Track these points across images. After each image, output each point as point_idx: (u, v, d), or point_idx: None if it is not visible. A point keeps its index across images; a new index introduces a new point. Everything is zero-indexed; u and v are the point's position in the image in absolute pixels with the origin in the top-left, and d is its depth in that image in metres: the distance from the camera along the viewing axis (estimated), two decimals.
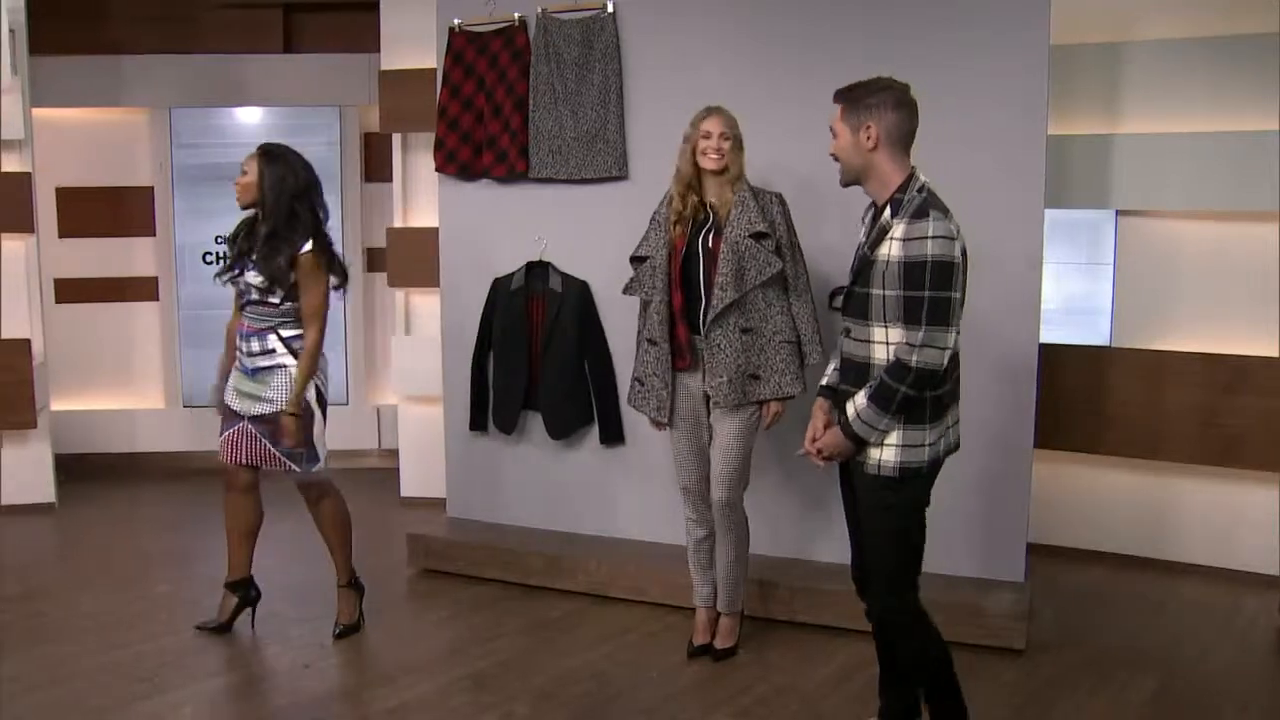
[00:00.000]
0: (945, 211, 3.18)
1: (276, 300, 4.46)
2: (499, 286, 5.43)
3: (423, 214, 6.56)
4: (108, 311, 7.61)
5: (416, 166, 6.61)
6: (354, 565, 4.92)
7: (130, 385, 7.69)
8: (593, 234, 5.24)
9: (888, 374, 3.18)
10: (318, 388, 4.59)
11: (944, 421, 3.29)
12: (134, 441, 7.62)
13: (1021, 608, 4.54)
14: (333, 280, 4.50)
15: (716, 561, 4.45)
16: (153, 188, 7.58)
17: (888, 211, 3.21)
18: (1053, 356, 5.23)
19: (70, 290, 7.45)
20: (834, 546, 4.85)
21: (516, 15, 5.34)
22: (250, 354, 4.53)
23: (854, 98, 3.28)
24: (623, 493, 5.34)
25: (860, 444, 3.26)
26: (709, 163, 4.18)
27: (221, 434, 4.64)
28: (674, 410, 4.34)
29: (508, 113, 5.32)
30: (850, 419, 3.25)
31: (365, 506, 6.72)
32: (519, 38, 5.32)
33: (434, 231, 5.84)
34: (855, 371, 3.31)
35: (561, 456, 5.45)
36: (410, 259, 6.41)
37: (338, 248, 4.65)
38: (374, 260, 7.54)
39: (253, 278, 4.47)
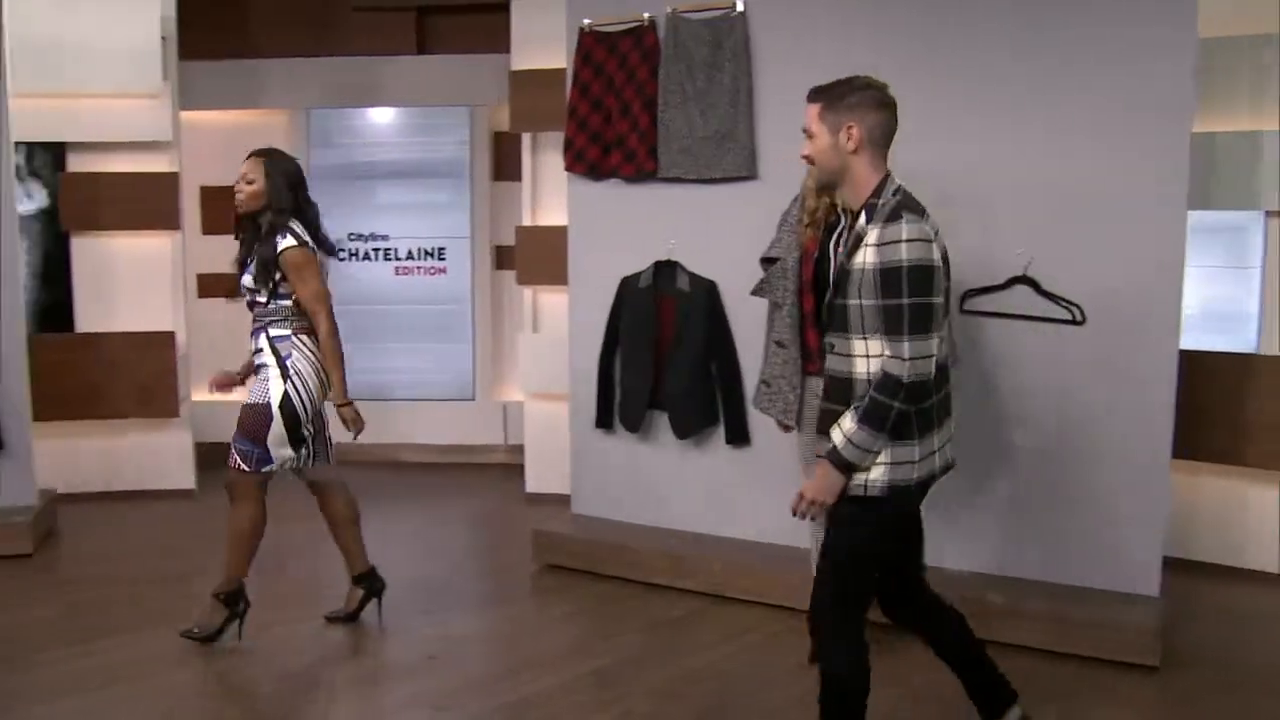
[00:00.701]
0: (921, 213, 3.02)
1: (264, 300, 4.54)
2: (627, 285, 5.45)
3: (551, 213, 6.61)
4: (245, 306, 7.80)
5: (545, 166, 6.67)
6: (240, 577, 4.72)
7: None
8: (721, 234, 5.23)
9: (878, 391, 2.97)
10: (295, 393, 4.54)
11: (932, 437, 3.11)
12: None
13: (1157, 623, 4.40)
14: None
15: None
16: None
17: (863, 218, 3.05)
18: (1193, 363, 5.05)
19: (211, 285, 7.68)
20: (964, 552, 4.79)
21: (646, 15, 5.35)
22: (251, 353, 4.65)
23: (834, 96, 3.10)
24: (746, 494, 5.31)
25: (851, 471, 3.03)
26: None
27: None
28: (801, 414, 4.31)
29: (636, 112, 5.34)
30: (840, 446, 3.02)
31: (490, 502, 6.87)
32: (648, 37, 5.34)
33: (562, 230, 5.89)
34: (838, 388, 3.10)
35: (686, 456, 5.45)
36: (539, 257, 6.47)
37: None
38: (502, 258, 7.64)
39: (246, 279, 4.56)
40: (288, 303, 4.53)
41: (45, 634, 4.78)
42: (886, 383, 2.96)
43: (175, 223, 6.72)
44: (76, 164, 6.71)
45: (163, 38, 6.56)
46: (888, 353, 2.97)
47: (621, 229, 5.50)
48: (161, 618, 4.91)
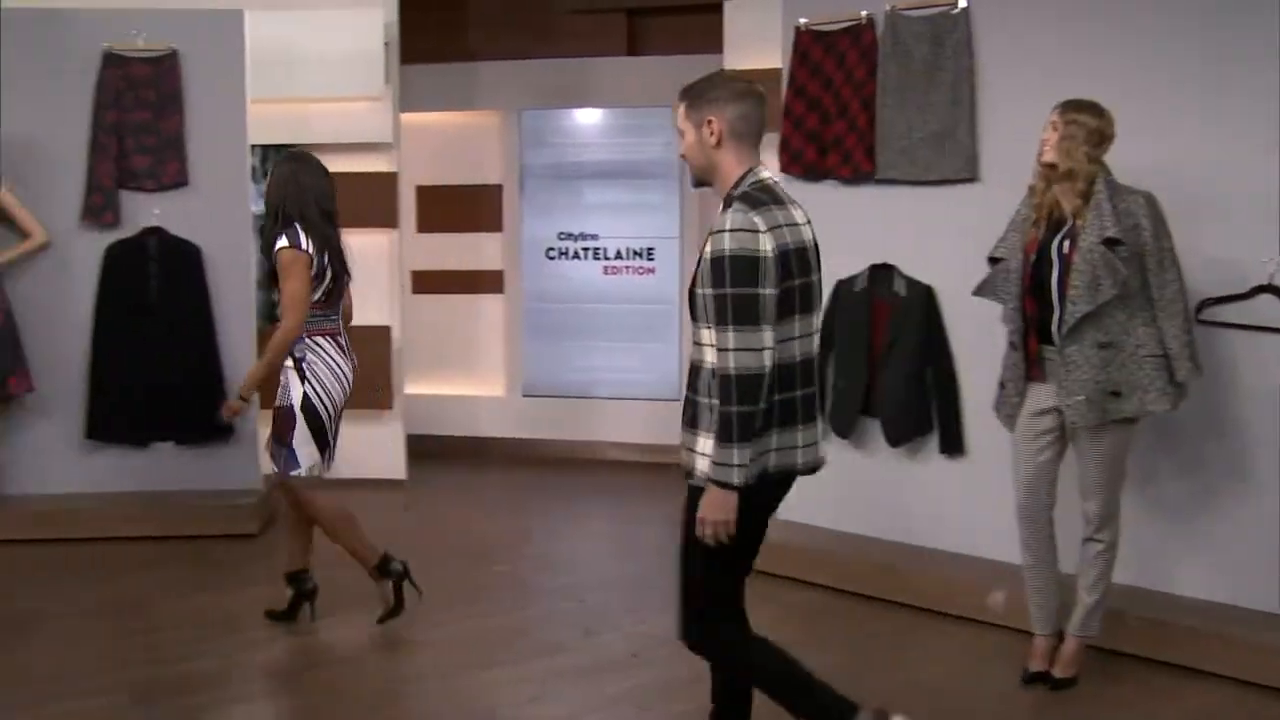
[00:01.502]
0: (759, 204, 2.95)
1: (277, 300, 4.57)
2: (841, 289, 5.35)
3: None
4: (457, 302, 8.04)
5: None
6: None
7: (475, 373, 8.09)
8: (939, 237, 5.08)
9: (719, 400, 2.92)
10: (315, 395, 4.51)
11: (792, 432, 3.03)
12: (477, 426, 8.02)
13: None
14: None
15: (1080, 579, 4.18)
16: (502, 186, 7.94)
17: (721, 208, 3.02)
18: None
19: (425, 282, 7.91)
20: (1198, 578, 4.52)
21: (864, 13, 5.24)
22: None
23: (695, 94, 3.09)
24: (960, 506, 5.14)
25: (731, 488, 2.93)
26: (1041, 156, 3.97)
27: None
28: (1018, 423, 4.15)
29: (854, 112, 5.24)
30: (711, 471, 2.96)
31: (649, 505, 6.82)
32: (866, 35, 5.23)
33: None
34: (693, 375, 3.09)
35: (898, 465, 5.32)
36: None
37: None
38: None
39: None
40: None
41: (261, 615, 4.95)
42: (720, 385, 2.92)
43: (393, 221, 6.93)
44: None
45: (385, 43, 6.77)
46: (715, 344, 2.94)
47: (836, 231, 5.35)
48: (365, 605, 5.04)
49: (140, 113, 6.11)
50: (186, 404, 6.14)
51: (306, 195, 4.51)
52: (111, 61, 6.09)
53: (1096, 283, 3.86)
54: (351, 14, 6.70)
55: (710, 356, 2.99)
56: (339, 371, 4.60)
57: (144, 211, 6.14)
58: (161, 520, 6.03)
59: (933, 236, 5.11)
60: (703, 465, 3.03)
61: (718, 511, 2.97)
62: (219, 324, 6.21)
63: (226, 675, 4.42)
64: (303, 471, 4.55)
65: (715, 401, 2.95)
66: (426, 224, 7.92)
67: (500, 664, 4.48)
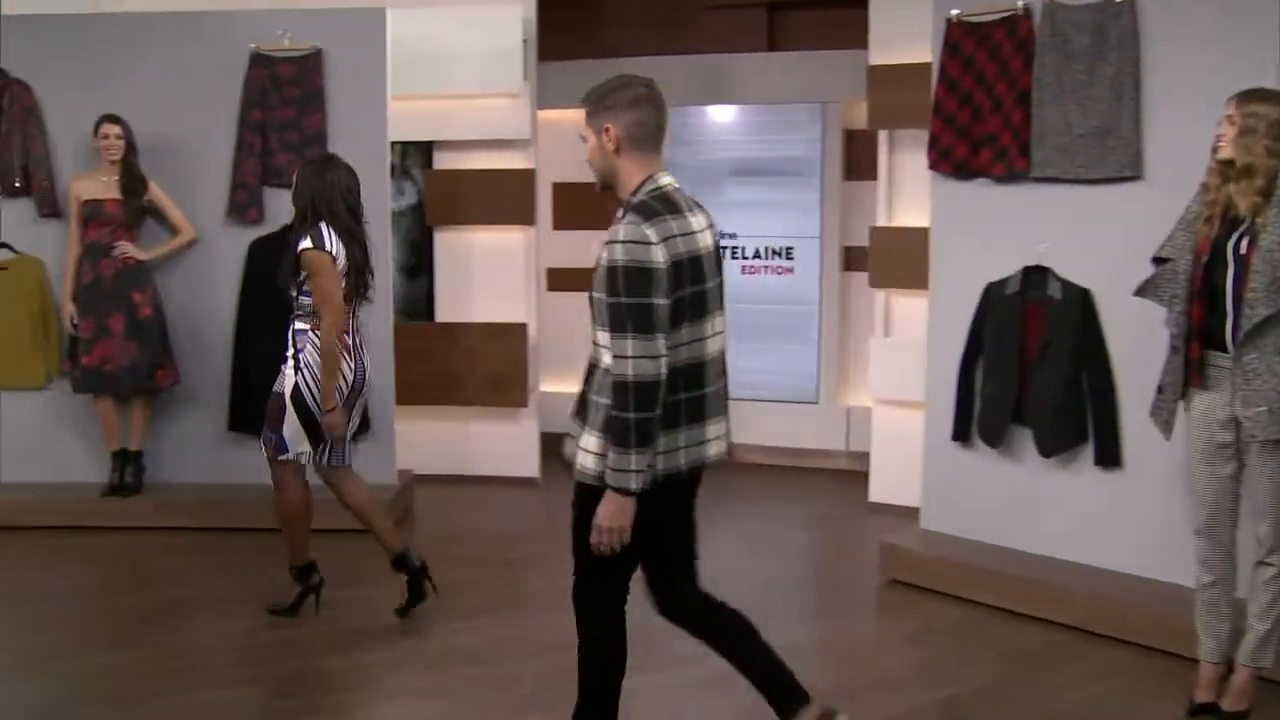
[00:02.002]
0: (653, 215, 2.98)
1: (293, 294, 4.68)
2: (992, 291, 5.13)
3: (908, 213, 6.34)
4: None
5: (903, 164, 6.39)
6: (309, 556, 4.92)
7: None
8: (1098, 239, 4.82)
9: (613, 406, 2.96)
10: (305, 386, 4.60)
11: (675, 434, 3.07)
12: None
13: None
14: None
15: (1251, 605, 3.89)
16: None
17: (619, 215, 3.05)
18: None
19: (561, 279, 7.86)
20: None
21: (1020, 3, 5.01)
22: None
23: (593, 100, 3.12)
24: (1116, 521, 4.88)
25: (630, 493, 2.98)
26: (1217, 152, 3.73)
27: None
28: (1190, 435, 3.90)
29: (1009, 108, 5.01)
30: (608, 477, 3.00)
31: (831, 509, 6.67)
32: (1023, 27, 5.00)
33: (920, 231, 5.64)
34: (589, 374, 3.17)
35: (1050, 476, 5.06)
36: (894, 259, 6.23)
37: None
38: (851, 259, 7.42)
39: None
40: (309, 300, 4.63)
41: (395, 611, 4.95)
42: (616, 390, 2.96)
43: (530, 218, 6.91)
44: (442, 162, 7.01)
45: (524, 40, 6.74)
46: (613, 351, 2.97)
47: (988, 231, 5.19)
48: (503, 604, 5.03)
49: (284, 111, 6.18)
50: None
51: (334, 194, 4.61)
52: (258, 61, 6.18)
53: (1278, 285, 3.60)
54: (491, 11, 6.69)
55: (606, 359, 3.04)
56: (338, 370, 4.64)
57: (286, 208, 6.14)
58: None
59: (1091, 237, 4.86)
60: (587, 462, 3.11)
61: (615, 518, 3.02)
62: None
63: (364, 671, 4.42)
64: (289, 456, 4.67)
65: (607, 402, 3.01)
66: (563, 221, 7.87)
67: (636, 671, 4.35)
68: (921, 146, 5.57)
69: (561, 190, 7.86)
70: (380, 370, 6.19)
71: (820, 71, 7.35)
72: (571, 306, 7.78)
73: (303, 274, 4.62)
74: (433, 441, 6.99)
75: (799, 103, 7.55)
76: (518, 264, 6.98)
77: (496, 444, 7.08)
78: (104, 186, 6.01)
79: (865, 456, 6.95)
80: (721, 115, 7.86)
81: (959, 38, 5.20)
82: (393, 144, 6.40)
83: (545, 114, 7.22)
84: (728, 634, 3.47)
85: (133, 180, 5.99)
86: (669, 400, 3.02)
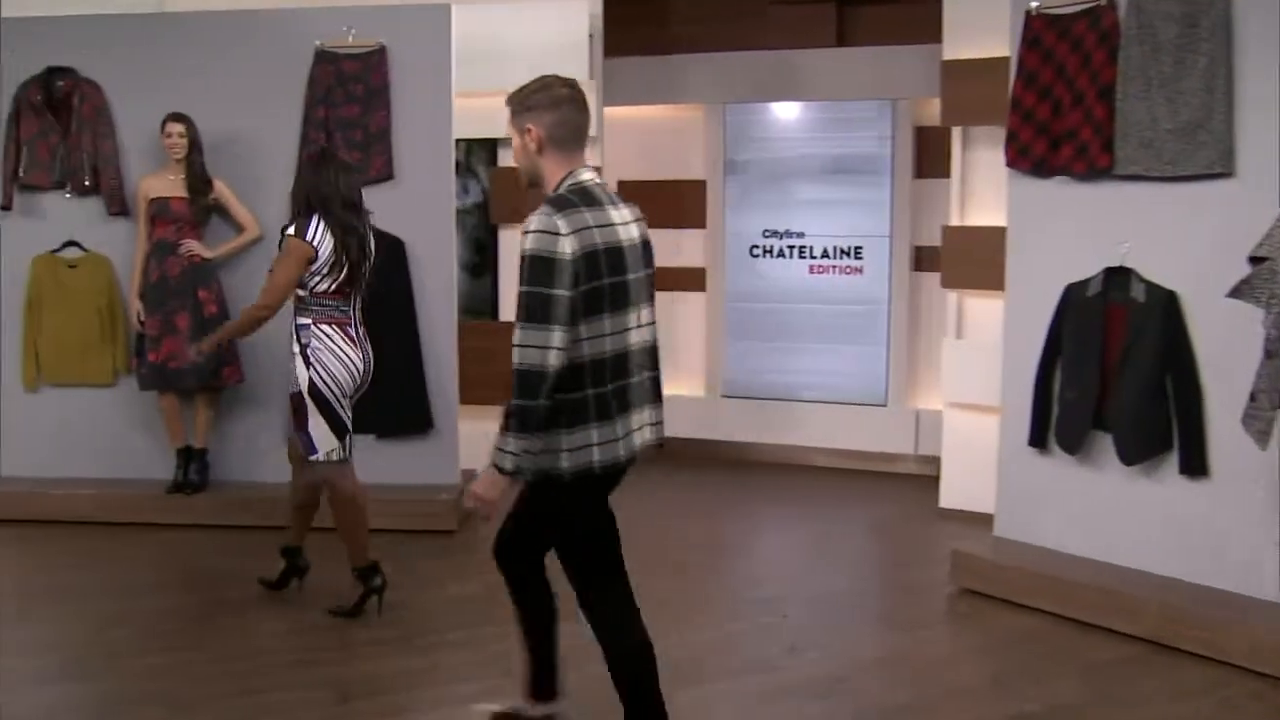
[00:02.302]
0: (567, 206, 3.01)
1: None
2: (1072, 293, 4.96)
3: (982, 212, 6.18)
4: (657, 300, 7.82)
5: (977, 162, 6.23)
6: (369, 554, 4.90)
7: (674, 372, 7.90)
8: (1185, 239, 4.65)
9: (513, 392, 3.01)
10: (320, 378, 4.63)
11: (590, 431, 3.08)
12: (675, 427, 7.67)
13: None
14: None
15: None
16: (705, 181, 7.75)
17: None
18: None
19: None
20: None
21: None
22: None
23: (515, 102, 3.18)
24: (1201, 532, 4.69)
25: (512, 474, 3.06)
26: None
27: None
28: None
29: (1090, 102, 4.83)
30: (493, 455, 3.07)
31: (900, 514, 6.53)
32: (1107, 18, 4.82)
33: (995, 231, 5.48)
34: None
35: (1132, 484, 4.87)
36: (967, 259, 6.06)
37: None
38: (921, 259, 7.27)
39: None
40: (304, 293, 4.65)
41: (459, 613, 4.93)
42: (514, 379, 2.99)
43: None
44: (507, 159, 6.93)
45: (589, 35, 6.65)
46: (513, 338, 3.01)
47: (1068, 231, 5.01)
48: (564, 608, 4.92)
49: (349, 108, 6.15)
50: (388, 398, 6.15)
51: (329, 189, 4.63)
52: (322, 58, 6.15)
53: None
54: (557, 6, 6.62)
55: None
56: (346, 360, 4.67)
57: None
58: None
59: (1177, 237, 4.68)
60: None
61: (489, 491, 3.11)
62: (421, 317, 6.21)
63: (426, 674, 4.36)
64: (320, 456, 4.68)
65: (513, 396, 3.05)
66: None
67: (710, 680, 4.30)
68: (996, 143, 5.43)
69: (627, 188, 7.75)
70: (444, 369, 6.19)
71: (890, 67, 7.20)
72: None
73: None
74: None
75: (869, 99, 7.41)
76: None
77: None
78: (170, 185, 6.02)
79: (934, 460, 6.80)
80: (789, 112, 7.74)
81: (1039, 30, 5.03)
82: (457, 141, 6.33)
83: (610, 110, 7.14)
84: (649, 651, 3.44)
85: (196, 178, 5.99)
86: (600, 391, 3.09)
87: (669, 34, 7.75)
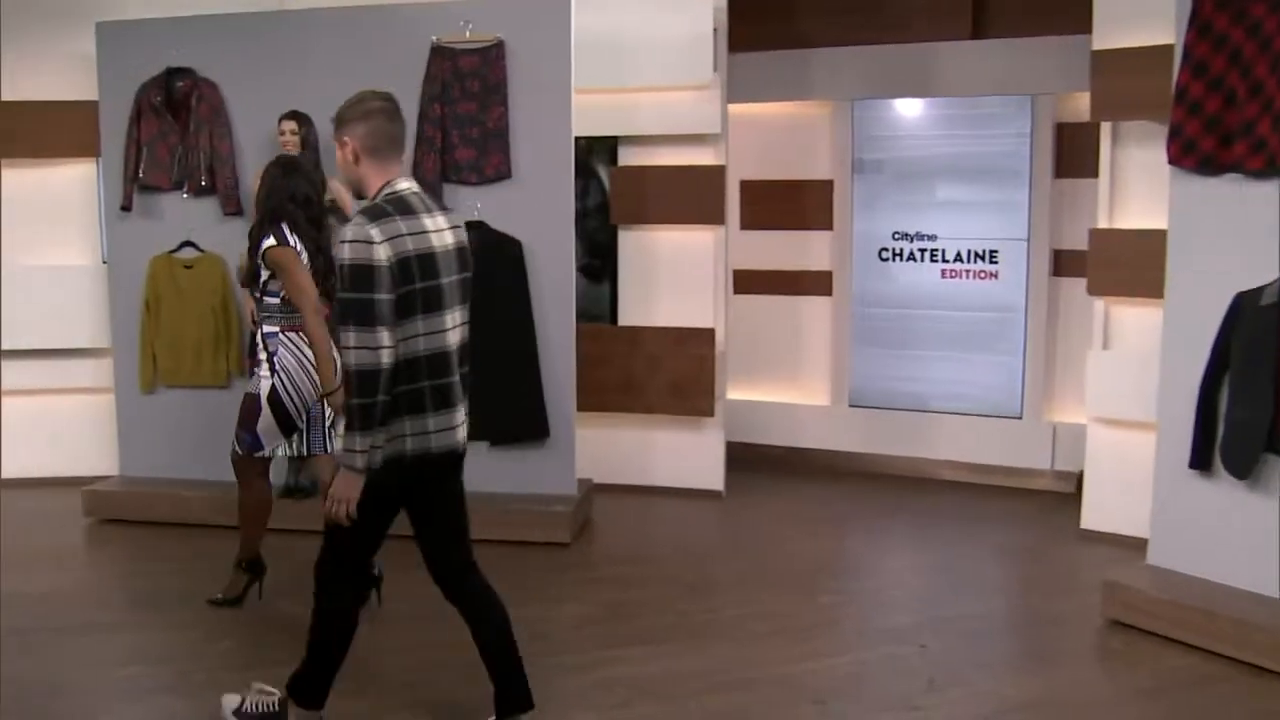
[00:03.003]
0: (380, 215, 3.22)
1: (257, 296, 4.81)
2: (1244, 301, 4.52)
3: (1133, 213, 5.74)
4: (781, 304, 7.58)
5: (1129, 160, 5.78)
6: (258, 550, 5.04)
7: (798, 379, 7.62)
8: None
9: (349, 393, 3.23)
10: (282, 388, 4.73)
11: (422, 419, 3.31)
12: (798, 436, 7.55)
13: None
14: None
15: None
16: (832, 181, 7.42)
17: None
18: None
19: (747, 281, 7.50)
20: None
21: None
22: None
23: (337, 115, 3.42)
24: None
25: (362, 472, 3.27)
26: None
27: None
28: None
29: (1272, 91, 4.38)
30: (340, 455, 3.29)
31: (1038, 536, 6.13)
32: None
33: (1149, 234, 5.10)
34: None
35: None
36: (1117, 264, 5.63)
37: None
38: (1061, 264, 6.86)
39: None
40: (275, 300, 4.71)
41: (575, 634, 4.73)
42: (347, 379, 3.23)
43: (720, 217, 6.54)
44: (627, 158, 6.71)
45: (713, 29, 6.39)
46: (342, 342, 3.24)
47: (1239, 233, 4.58)
48: (684, 632, 4.70)
49: (465, 105, 5.97)
50: (503, 404, 5.97)
51: (295, 199, 4.71)
52: (439, 54, 5.98)
53: None
54: None
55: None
56: (310, 368, 4.74)
57: (466, 205, 6.01)
58: (471, 523, 5.83)
59: None
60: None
61: (348, 491, 3.29)
62: (539, 321, 6.00)
63: (544, 705, 4.13)
64: (266, 452, 4.82)
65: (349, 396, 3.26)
66: (750, 220, 7.50)
67: (844, 716, 4.00)
68: (1151, 139, 5.08)
69: (750, 188, 7.51)
70: (561, 375, 5.97)
71: (1030, 60, 6.79)
72: (759, 310, 7.51)
73: (265, 275, 4.69)
74: (612, 449, 6.71)
75: (1007, 95, 7.01)
76: (705, 265, 6.62)
77: (679, 454, 6.76)
78: None
79: (1072, 477, 6.41)
80: (920, 109, 7.37)
81: (1210, 15, 4.60)
82: (576, 139, 6.08)
83: (734, 108, 6.85)
84: (491, 620, 3.62)
85: None
86: (413, 388, 3.30)
87: (795, 28, 7.42)
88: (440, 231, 3.36)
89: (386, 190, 3.34)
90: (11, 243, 6.70)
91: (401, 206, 3.29)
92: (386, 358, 3.19)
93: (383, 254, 3.17)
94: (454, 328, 3.40)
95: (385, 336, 3.18)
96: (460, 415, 3.46)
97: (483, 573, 3.67)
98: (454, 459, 3.49)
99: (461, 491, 3.64)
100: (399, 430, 3.30)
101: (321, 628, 3.56)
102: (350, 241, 3.18)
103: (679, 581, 5.35)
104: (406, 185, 3.38)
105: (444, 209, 3.48)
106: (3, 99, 6.78)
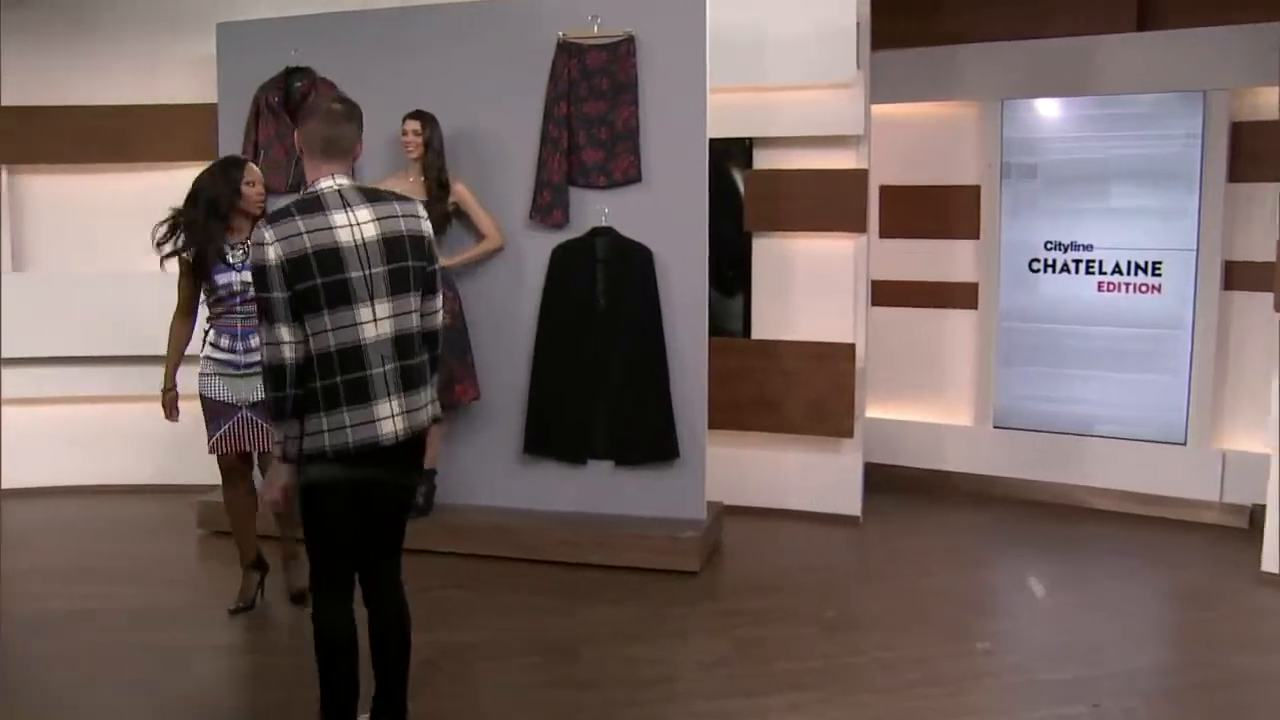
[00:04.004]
0: (279, 217, 3.32)
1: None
2: None
3: None
4: (921, 317, 7.11)
5: None
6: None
7: (938, 398, 7.13)
8: None
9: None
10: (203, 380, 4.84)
11: (339, 414, 3.33)
12: (939, 458, 7.06)
13: None
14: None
15: None
16: (979, 186, 6.93)
17: None
18: None
19: (885, 293, 7.03)
20: None
21: None
22: (249, 350, 4.74)
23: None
24: None
25: (287, 459, 3.38)
26: None
27: (220, 428, 4.84)
28: None
29: None
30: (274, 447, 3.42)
31: (1209, 577, 5.55)
32: None
33: None
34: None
35: None
36: None
37: None
38: (1234, 276, 6.28)
39: (248, 276, 4.58)
40: (204, 301, 4.85)
41: (704, 677, 4.37)
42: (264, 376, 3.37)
43: (861, 224, 6.13)
44: (762, 161, 6.33)
45: (856, 23, 5.98)
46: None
47: None
48: (825, 677, 4.30)
49: (593, 104, 5.64)
50: (630, 422, 5.64)
51: (200, 199, 4.74)
52: (565, 50, 5.66)
53: None
54: None
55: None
56: (215, 363, 4.84)
57: (593, 210, 5.69)
58: (594, 547, 5.55)
59: None
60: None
61: (274, 478, 3.45)
62: (669, 334, 5.63)
63: None
64: (209, 449, 4.88)
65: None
66: (890, 228, 7.04)
67: None
68: None
69: (889, 194, 7.04)
70: (692, 392, 5.61)
71: (1204, 53, 6.23)
72: (897, 323, 7.04)
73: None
74: (742, 470, 6.33)
75: (1175, 92, 6.46)
76: (845, 276, 6.21)
77: (814, 476, 6.34)
78: (408, 188, 5.65)
79: (1244, 511, 5.88)
80: (1077, 108, 6.83)
81: None
82: (710, 141, 5.65)
83: (873, 109, 6.41)
84: (398, 631, 3.60)
85: (432, 181, 5.62)
86: (327, 383, 3.32)
87: (941, 22, 6.93)
88: (354, 226, 3.36)
89: (310, 189, 3.42)
90: (129, 251, 6.56)
91: (309, 206, 3.36)
92: (288, 352, 3.29)
93: (272, 254, 3.27)
94: (372, 320, 3.36)
95: (284, 332, 3.29)
96: (385, 408, 3.38)
97: (402, 582, 3.65)
98: (377, 452, 3.37)
99: (403, 491, 3.61)
100: (317, 426, 3.34)
101: (317, 643, 3.50)
102: (252, 244, 3.33)
103: (817, 618, 4.94)
104: (328, 184, 3.41)
105: (380, 200, 3.45)
106: (121, 103, 6.70)
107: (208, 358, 4.83)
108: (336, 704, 3.47)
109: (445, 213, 5.67)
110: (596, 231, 5.68)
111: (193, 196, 4.76)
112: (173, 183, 6.63)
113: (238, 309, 4.79)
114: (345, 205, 3.37)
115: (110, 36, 6.88)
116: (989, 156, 6.89)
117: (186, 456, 6.37)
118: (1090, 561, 5.79)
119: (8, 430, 6.13)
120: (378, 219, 3.39)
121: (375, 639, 3.56)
